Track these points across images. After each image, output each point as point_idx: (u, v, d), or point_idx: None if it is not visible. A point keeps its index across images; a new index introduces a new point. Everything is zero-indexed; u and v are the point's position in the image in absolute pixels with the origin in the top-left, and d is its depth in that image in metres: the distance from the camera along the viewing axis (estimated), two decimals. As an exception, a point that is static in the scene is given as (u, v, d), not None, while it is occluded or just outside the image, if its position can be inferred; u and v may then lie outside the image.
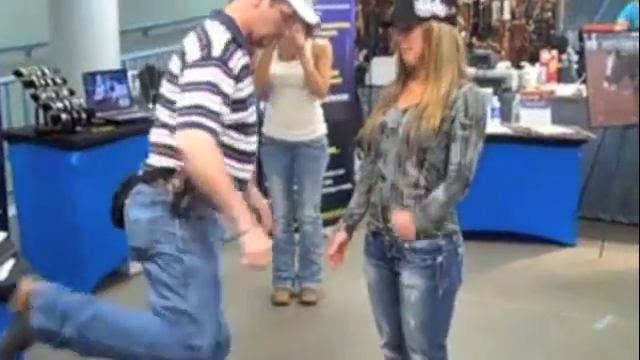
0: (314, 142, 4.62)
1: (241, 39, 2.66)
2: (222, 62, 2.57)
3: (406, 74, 2.76)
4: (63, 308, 2.66)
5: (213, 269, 2.73)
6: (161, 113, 2.72)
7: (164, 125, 2.69)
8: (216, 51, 2.57)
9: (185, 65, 2.59)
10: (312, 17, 2.82)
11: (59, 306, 2.66)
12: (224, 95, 2.56)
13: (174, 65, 2.67)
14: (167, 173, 2.65)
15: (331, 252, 2.91)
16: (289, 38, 4.13)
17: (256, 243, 2.56)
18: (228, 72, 2.58)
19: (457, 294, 2.79)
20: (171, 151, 2.64)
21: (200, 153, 2.50)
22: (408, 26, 2.67)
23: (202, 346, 2.68)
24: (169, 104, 2.66)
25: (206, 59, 2.56)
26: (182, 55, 2.63)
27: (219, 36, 2.61)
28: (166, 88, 2.70)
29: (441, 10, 2.65)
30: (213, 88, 2.54)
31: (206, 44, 2.58)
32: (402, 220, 2.66)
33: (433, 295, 2.70)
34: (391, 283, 2.81)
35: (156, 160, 2.71)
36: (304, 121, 4.57)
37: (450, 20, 2.68)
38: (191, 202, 2.64)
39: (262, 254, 2.58)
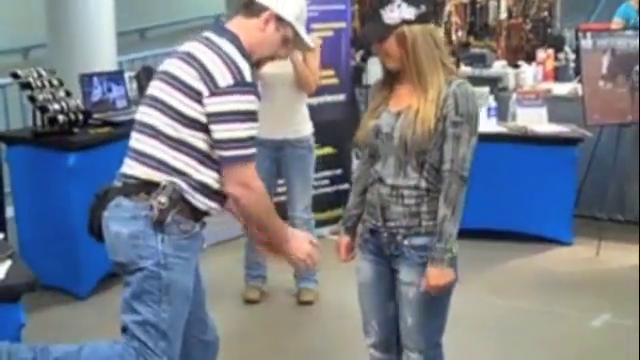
0: (300, 141, 4.59)
1: (250, 62, 2.66)
2: (254, 87, 2.63)
3: (392, 77, 2.75)
4: None
5: (188, 286, 2.70)
6: (158, 121, 2.63)
7: (157, 136, 2.62)
8: (248, 76, 2.59)
9: (216, 88, 2.53)
10: (310, 42, 2.88)
11: None
12: (258, 120, 2.65)
13: (187, 75, 2.57)
14: (151, 187, 2.61)
15: (344, 259, 2.95)
16: None
17: (303, 249, 2.78)
18: (259, 97, 2.65)
19: (453, 292, 2.79)
20: (161, 165, 2.61)
21: (257, 206, 2.66)
22: (380, 38, 2.67)
23: None
24: (178, 115, 2.58)
25: (241, 85, 2.56)
26: (203, 71, 2.55)
27: (242, 59, 2.60)
28: (170, 95, 2.60)
29: (410, 13, 2.63)
30: (253, 116, 2.61)
31: (236, 70, 2.56)
32: (437, 282, 2.65)
33: (423, 292, 2.68)
34: (387, 280, 2.82)
35: (142, 172, 2.64)
36: (293, 118, 4.56)
37: (422, 19, 2.65)
38: (175, 218, 2.61)
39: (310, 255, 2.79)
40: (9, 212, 5.18)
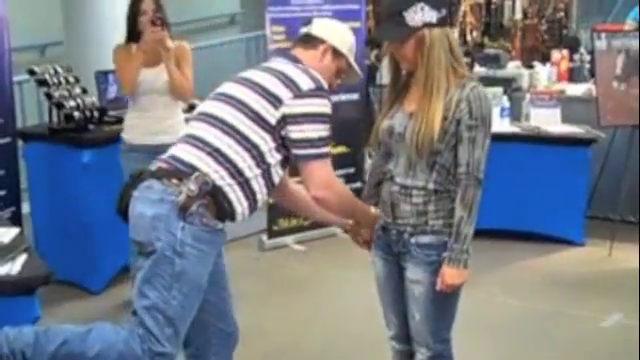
0: None
1: None
2: (329, 93, 2.78)
3: (406, 76, 2.77)
4: (23, 350, 2.60)
5: (202, 278, 2.72)
6: (226, 113, 2.74)
7: (220, 126, 2.72)
8: (324, 83, 2.77)
9: (299, 91, 2.70)
10: (359, 71, 3.03)
11: (17, 350, 2.59)
12: (330, 123, 2.78)
13: (268, 82, 2.73)
14: (186, 173, 2.66)
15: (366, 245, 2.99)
16: (156, 41, 4.21)
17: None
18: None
19: (464, 291, 2.81)
20: (208, 147, 2.69)
21: (340, 205, 2.84)
22: (402, 39, 2.67)
23: (171, 353, 2.68)
24: (250, 112, 2.70)
25: (321, 89, 2.74)
26: (284, 77, 2.72)
27: (314, 72, 2.79)
28: (248, 95, 2.73)
29: (432, 16, 2.64)
30: (329, 119, 2.75)
31: (314, 76, 2.75)
32: (453, 281, 2.68)
33: (437, 290, 2.72)
34: (398, 277, 2.86)
35: (187, 154, 2.72)
36: (169, 126, 4.42)
37: (443, 23, 2.67)
38: (199, 209, 2.64)
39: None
40: (25, 208, 5.25)
